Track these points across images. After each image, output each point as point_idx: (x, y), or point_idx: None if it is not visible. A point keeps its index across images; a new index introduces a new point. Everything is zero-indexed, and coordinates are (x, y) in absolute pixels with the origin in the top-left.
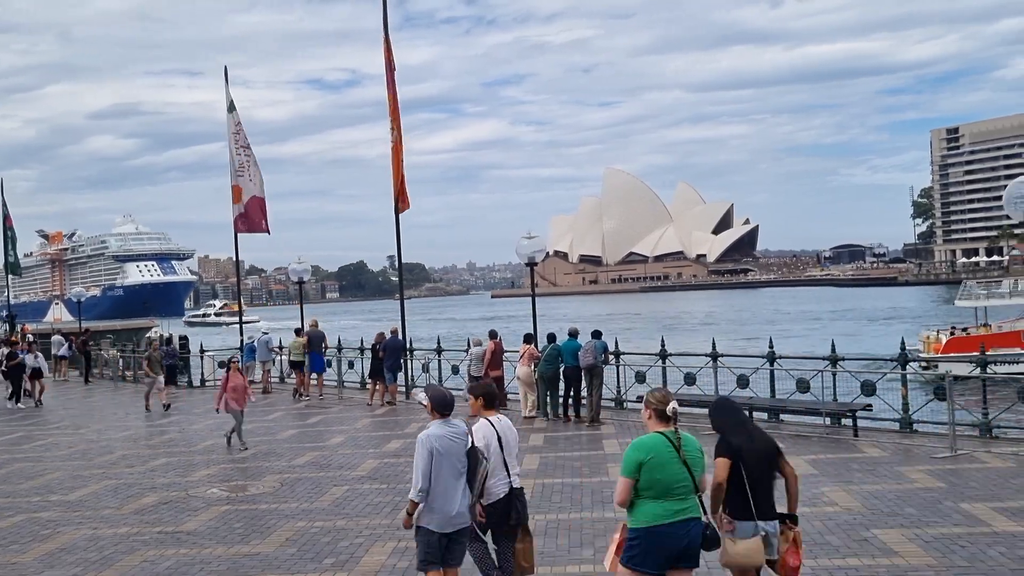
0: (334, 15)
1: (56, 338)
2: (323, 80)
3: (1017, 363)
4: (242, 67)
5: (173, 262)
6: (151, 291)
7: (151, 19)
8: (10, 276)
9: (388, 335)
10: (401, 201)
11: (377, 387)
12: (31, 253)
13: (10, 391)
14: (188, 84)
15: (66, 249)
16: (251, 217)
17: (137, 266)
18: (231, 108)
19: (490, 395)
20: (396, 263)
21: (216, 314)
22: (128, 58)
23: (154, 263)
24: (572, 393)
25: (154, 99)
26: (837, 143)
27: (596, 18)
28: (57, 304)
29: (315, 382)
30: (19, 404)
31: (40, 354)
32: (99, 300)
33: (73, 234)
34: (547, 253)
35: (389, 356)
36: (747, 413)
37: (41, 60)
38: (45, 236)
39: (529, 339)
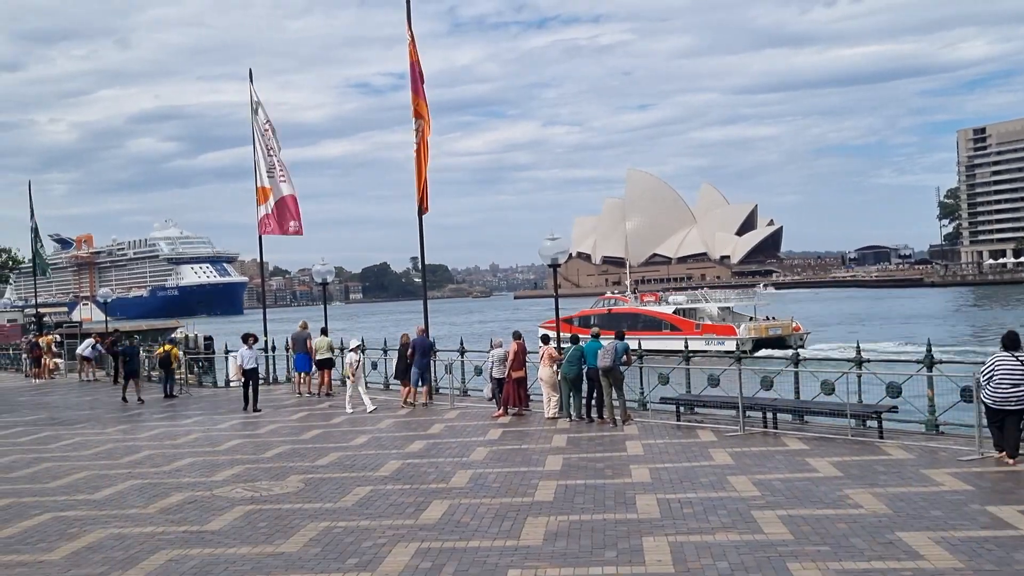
0: (385, 20)
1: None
2: (370, 84)
3: None
4: (293, 72)
5: (224, 264)
6: (210, 291)
7: (206, 25)
8: (36, 276)
9: (414, 335)
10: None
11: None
12: (48, 256)
13: None
14: (237, 88)
15: (100, 252)
16: (281, 218)
17: (192, 268)
18: (256, 110)
19: None
20: (419, 264)
21: None
22: (182, 64)
23: (208, 265)
24: (596, 394)
25: (197, 102)
26: (865, 145)
27: (638, 21)
28: (86, 304)
29: (305, 381)
30: None
31: None
32: (146, 300)
33: (88, 237)
34: (570, 254)
35: (420, 357)
36: (772, 414)
37: (97, 66)
38: (59, 240)
39: (546, 340)
